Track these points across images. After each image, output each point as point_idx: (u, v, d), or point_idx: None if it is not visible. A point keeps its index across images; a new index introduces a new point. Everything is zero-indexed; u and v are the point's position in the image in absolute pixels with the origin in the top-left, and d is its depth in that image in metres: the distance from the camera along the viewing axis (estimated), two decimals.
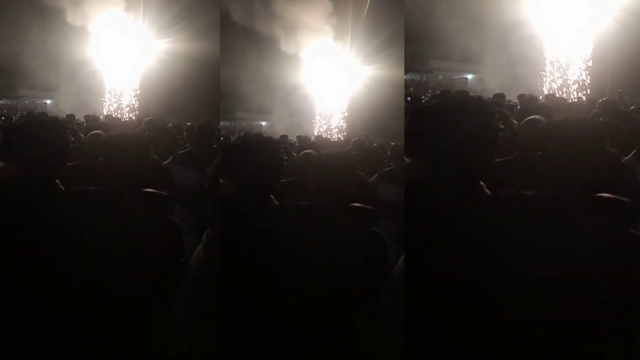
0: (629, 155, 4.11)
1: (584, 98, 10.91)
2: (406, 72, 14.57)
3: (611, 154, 2.79)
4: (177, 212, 4.10)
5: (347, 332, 2.56)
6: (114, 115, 12.17)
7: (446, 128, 2.19)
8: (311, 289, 2.46)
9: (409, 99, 5.50)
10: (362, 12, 12.08)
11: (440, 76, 14.50)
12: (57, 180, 2.63)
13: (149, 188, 2.68)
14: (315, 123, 12.65)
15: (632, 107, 6.74)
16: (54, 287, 2.44)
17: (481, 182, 2.21)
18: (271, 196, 2.64)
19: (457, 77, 13.81)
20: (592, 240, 2.09)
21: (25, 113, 10.11)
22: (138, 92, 12.78)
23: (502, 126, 2.22)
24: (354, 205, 2.61)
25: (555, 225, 2.12)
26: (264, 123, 12.87)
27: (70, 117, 9.09)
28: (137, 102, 12.79)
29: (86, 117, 9.35)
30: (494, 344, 2.11)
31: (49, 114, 10.03)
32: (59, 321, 2.45)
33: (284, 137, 8.73)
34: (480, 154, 2.18)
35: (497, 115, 2.20)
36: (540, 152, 2.21)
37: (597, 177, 2.17)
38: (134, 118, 12.29)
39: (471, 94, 9.25)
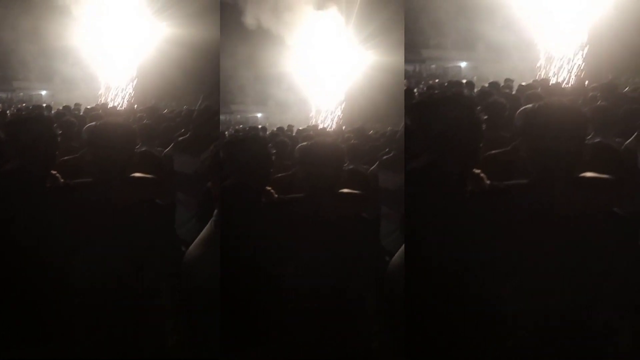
0: (630, 139, 4.33)
1: (577, 83, 10.87)
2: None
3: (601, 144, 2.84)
4: (180, 199, 4.17)
5: (350, 319, 2.61)
6: (109, 105, 12.09)
7: (431, 122, 2.27)
8: (308, 279, 2.50)
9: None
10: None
11: (434, 65, 14.37)
12: (54, 173, 2.67)
13: (139, 173, 2.74)
14: (312, 113, 12.60)
15: (627, 88, 6.74)
16: (53, 275, 2.49)
17: (481, 174, 2.26)
18: (269, 189, 2.69)
19: (450, 65, 13.72)
20: (577, 222, 2.15)
21: (22, 105, 10.06)
22: (135, 79, 12.70)
23: (485, 117, 2.30)
24: (342, 192, 2.68)
25: (541, 210, 2.26)
26: (259, 115, 12.83)
27: (66, 108, 9.05)
28: (133, 90, 12.71)
29: (75, 105, 9.32)
30: (492, 337, 2.14)
31: (45, 105, 9.96)
32: (61, 311, 2.51)
33: (280, 129, 8.69)
34: (465, 145, 2.25)
35: (478, 108, 2.28)
36: (521, 137, 2.26)
37: (580, 160, 2.21)
38: (132, 106, 12.20)
39: (465, 81, 9.26)
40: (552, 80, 10.60)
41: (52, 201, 2.61)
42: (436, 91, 6.58)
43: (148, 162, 3.34)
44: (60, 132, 2.75)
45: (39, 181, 2.61)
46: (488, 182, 2.47)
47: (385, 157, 4.70)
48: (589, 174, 2.25)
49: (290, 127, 9.03)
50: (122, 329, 2.59)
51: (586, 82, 10.84)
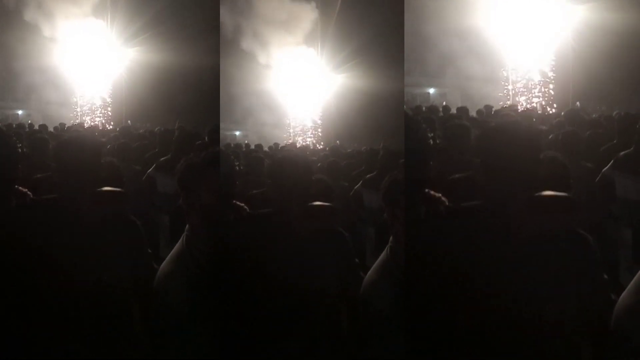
0: (607, 166, 4.15)
1: (549, 109, 11.12)
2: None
3: (554, 159, 2.81)
4: (163, 221, 4.13)
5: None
6: (85, 125, 12.08)
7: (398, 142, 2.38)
8: (282, 294, 2.50)
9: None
10: (331, 22, 12.20)
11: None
12: (25, 191, 2.64)
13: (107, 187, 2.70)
14: (290, 131, 12.73)
15: (594, 115, 6.87)
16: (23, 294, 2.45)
17: (442, 197, 2.28)
18: (242, 205, 2.69)
19: (418, 91, 13.67)
20: (537, 243, 2.14)
21: None
22: (110, 100, 12.75)
23: (431, 134, 2.36)
24: (313, 205, 2.66)
25: (498, 232, 2.16)
26: (238, 133, 12.90)
27: (43, 127, 9.04)
28: (110, 111, 12.75)
29: (60, 125, 9.31)
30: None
31: (23, 124, 9.95)
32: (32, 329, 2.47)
33: (259, 146, 8.75)
34: (415, 159, 2.30)
35: (423, 126, 2.33)
36: (478, 160, 2.26)
37: (536, 179, 2.20)
38: (107, 126, 12.24)
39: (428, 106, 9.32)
40: (520, 108, 10.83)
41: (19, 218, 2.57)
42: None
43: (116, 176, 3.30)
44: (20, 145, 2.70)
45: (3, 197, 2.56)
46: (445, 204, 2.30)
47: (368, 175, 4.43)
48: (546, 193, 2.24)
49: (276, 144, 9.08)
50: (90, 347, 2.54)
51: (553, 109, 11.10)
